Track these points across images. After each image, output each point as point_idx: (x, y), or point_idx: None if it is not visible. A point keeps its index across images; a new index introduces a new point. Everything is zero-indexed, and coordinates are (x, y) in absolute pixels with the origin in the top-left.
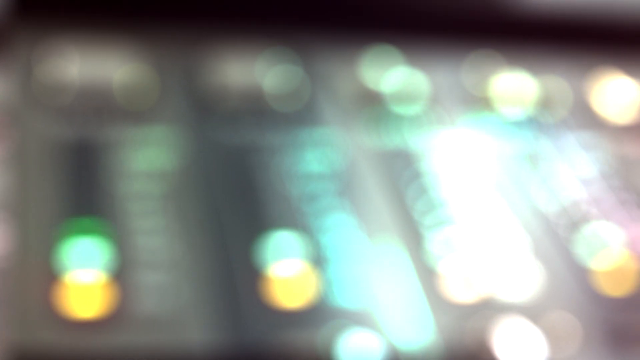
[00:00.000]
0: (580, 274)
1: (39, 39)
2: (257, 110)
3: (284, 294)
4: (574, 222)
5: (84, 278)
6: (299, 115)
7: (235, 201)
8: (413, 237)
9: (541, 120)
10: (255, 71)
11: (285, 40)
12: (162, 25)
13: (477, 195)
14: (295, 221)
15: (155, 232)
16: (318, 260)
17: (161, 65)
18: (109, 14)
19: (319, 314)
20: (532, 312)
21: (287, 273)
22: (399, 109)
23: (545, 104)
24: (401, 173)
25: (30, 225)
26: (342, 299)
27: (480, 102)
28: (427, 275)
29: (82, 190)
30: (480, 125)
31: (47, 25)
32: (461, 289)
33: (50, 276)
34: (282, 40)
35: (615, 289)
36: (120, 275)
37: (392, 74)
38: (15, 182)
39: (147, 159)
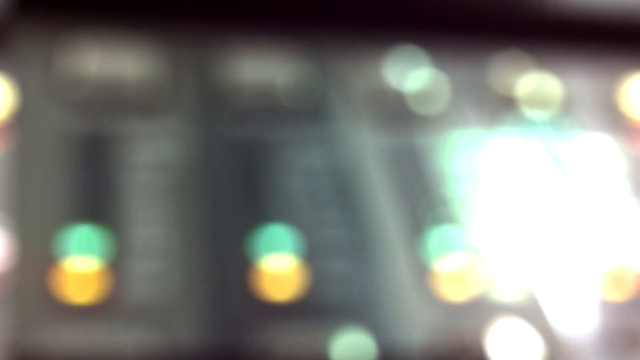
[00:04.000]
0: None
1: (52, 33)
2: (268, 106)
3: (276, 286)
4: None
5: (82, 265)
6: (310, 112)
7: (237, 195)
8: (412, 234)
9: (566, 121)
10: (269, 68)
11: (301, 38)
12: (177, 21)
13: (494, 195)
14: (294, 216)
15: (155, 223)
16: (313, 255)
17: (176, 60)
18: (124, 9)
19: (311, 308)
20: (528, 312)
21: (279, 266)
22: (422, 109)
23: (571, 105)
24: (411, 171)
25: (34, 215)
26: (336, 294)
27: (505, 102)
28: (421, 272)
29: (89, 182)
30: (505, 126)
31: (62, 19)
32: (456, 288)
33: (49, 262)
34: (298, 38)
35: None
36: (116, 263)
37: (415, 74)
38: (22, 173)
39: (156, 152)
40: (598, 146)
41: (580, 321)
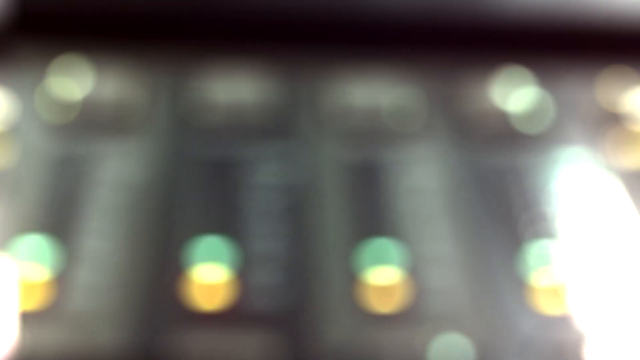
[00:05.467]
0: None
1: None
2: (239, 125)
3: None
4: None
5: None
6: (279, 130)
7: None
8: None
9: None
10: (239, 87)
11: (274, 58)
12: (153, 42)
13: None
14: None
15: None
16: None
17: (150, 81)
18: (110, 33)
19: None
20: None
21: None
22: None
23: None
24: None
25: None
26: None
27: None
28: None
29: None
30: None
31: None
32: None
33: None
34: (270, 57)
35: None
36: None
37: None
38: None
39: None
40: None
41: None
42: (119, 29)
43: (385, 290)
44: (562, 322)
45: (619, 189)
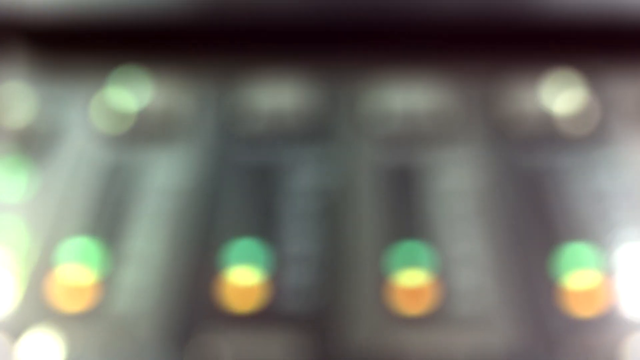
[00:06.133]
0: None
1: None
2: (281, 131)
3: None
4: None
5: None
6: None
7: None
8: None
9: None
10: (282, 95)
11: (316, 64)
12: (201, 53)
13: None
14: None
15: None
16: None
17: (195, 89)
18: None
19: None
20: None
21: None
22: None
23: None
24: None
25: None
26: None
27: None
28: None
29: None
30: None
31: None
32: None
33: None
34: (312, 64)
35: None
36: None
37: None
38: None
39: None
40: None
41: None
42: (169, 40)
43: (415, 293)
44: (594, 324)
45: None
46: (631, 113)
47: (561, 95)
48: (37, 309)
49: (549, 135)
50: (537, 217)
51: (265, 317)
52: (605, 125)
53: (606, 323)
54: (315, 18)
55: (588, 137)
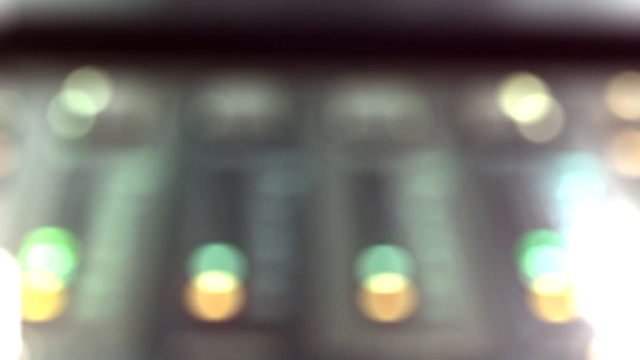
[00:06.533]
0: None
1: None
2: (245, 136)
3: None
4: None
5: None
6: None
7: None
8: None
9: None
10: (246, 99)
11: (279, 70)
12: (162, 57)
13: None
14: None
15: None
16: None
17: (159, 94)
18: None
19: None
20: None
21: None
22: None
23: None
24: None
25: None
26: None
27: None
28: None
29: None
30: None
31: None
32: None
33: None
34: (275, 69)
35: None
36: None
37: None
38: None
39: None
40: None
41: None
42: (130, 43)
43: (388, 298)
44: (564, 328)
45: (626, 196)
46: (592, 119)
47: (524, 102)
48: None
49: (513, 141)
50: (504, 222)
51: (238, 323)
52: (567, 131)
53: (576, 327)
54: (282, 22)
55: (551, 144)
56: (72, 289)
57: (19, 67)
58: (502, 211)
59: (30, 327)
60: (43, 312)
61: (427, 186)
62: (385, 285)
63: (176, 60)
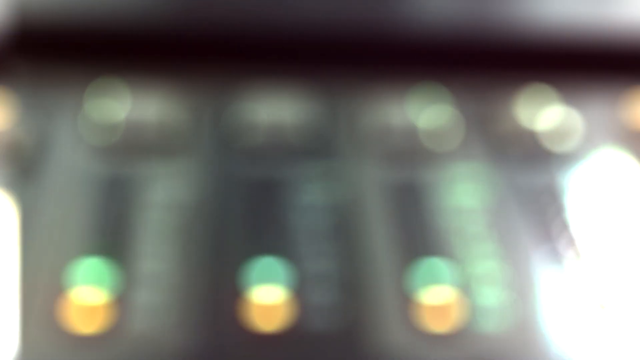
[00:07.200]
0: None
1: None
2: (279, 145)
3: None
4: None
5: (89, 296)
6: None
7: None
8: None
9: None
10: (280, 109)
11: (313, 79)
12: (193, 66)
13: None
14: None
15: (160, 258)
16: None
17: (193, 103)
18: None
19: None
20: None
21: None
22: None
23: None
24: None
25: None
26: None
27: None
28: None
29: (103, 219)
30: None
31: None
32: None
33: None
34: (309, 79)
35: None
36: (123, 295)
37: (433, 111)
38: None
39: (171, 192)
40: None
41: None
42: (160, 51)
43: (439, 309)
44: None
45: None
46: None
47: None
48: (52, 332)
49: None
50: (537, 232)
51: (292, 335)
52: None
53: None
54: (318, 31)
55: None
56: (122, 301)
57: (40, 79)
58: (535, 221)
59: (82, 341)
60: (94, 325)
61: (462, 196)
62: (436, 296)
63: (210, 68)
